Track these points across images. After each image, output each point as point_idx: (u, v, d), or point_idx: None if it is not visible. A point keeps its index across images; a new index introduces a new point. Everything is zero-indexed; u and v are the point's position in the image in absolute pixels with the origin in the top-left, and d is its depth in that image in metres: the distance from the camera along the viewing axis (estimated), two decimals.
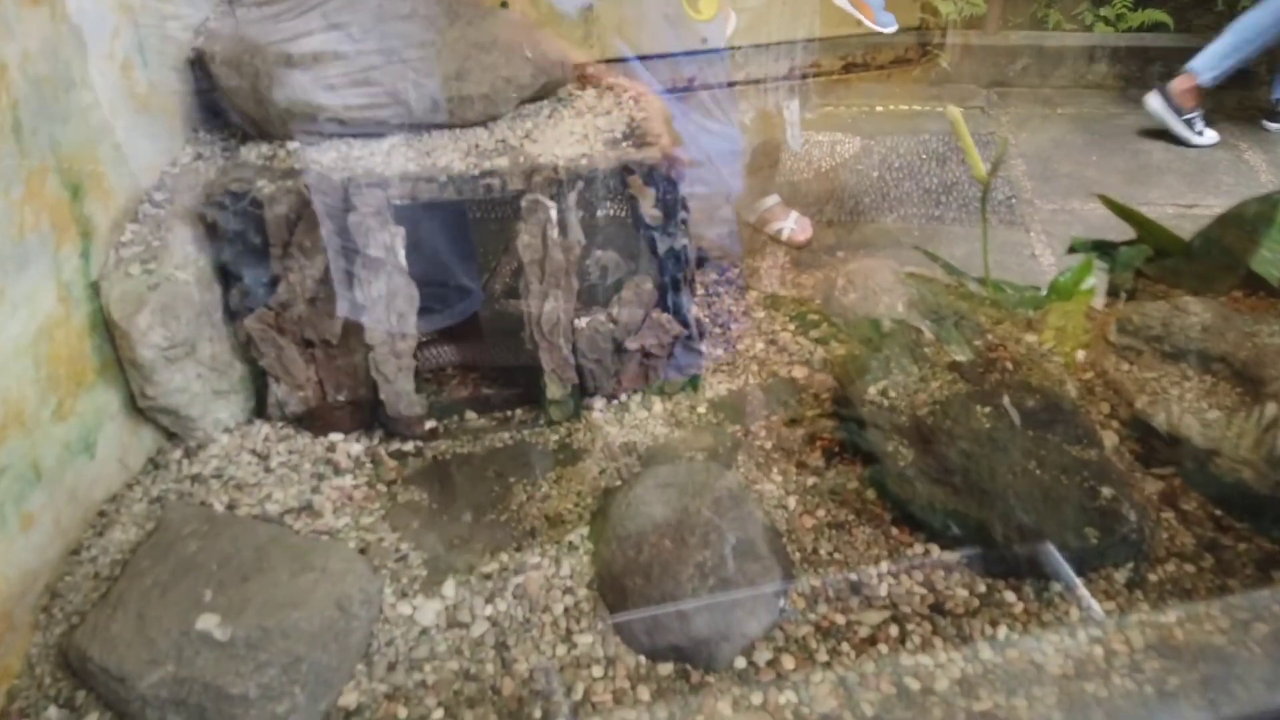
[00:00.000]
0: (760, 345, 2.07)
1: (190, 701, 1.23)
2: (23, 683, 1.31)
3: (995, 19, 6.12)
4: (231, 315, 1.66)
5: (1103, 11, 6.52)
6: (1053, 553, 1.48)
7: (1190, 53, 5.66)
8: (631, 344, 1.79)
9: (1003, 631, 1.41)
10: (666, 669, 1.37)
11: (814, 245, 2.45)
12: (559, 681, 1.35)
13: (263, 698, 1.24)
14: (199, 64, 1.71)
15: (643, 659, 1.37)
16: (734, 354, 2.04)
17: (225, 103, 1.70)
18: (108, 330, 1.51)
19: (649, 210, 1.69)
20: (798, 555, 1.54)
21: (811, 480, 1.68)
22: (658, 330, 1.80)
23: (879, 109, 4.82)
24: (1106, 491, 1.49)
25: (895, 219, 3.17)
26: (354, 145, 1.70)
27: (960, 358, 1.75)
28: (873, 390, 1.68)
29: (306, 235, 1.57)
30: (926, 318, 1.99)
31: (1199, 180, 3.90)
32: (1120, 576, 1.49)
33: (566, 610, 1.43)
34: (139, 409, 1.60)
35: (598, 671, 1.36)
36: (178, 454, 1.67)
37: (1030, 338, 1.94)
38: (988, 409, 1.60)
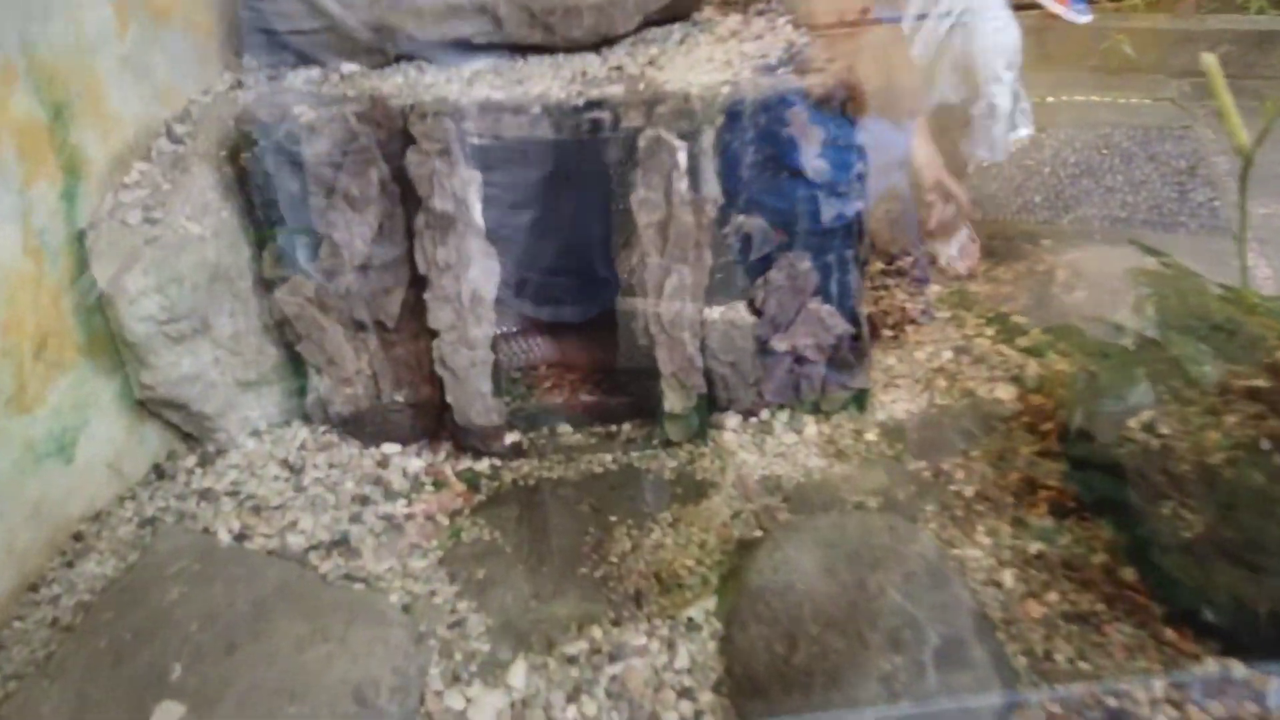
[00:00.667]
0: (947, 354, 1.57)
1: None
2: None
3: (1189, 0, 5.36)
4: (266, 285, 1.28)
5: None
6: None
7: None
8: (779, 344, 1.33)
9: None
10: None
11: (1011, 233, 1.93)
12: None
13: None
14: None
15: None
16: (912, 364, 1.55)
17: (275, 19, 1.33)
18: (100, 296, 1.15)
19: (812, 160, 1.23)
20: (1023, 660, 1.05)
21: (1034, 546, 1.19)
22: (815, 327, 1.34)
23: (1049, 99, 4.16)
24: None
25: (1071, 220, 2.59)
26: (427, 70, 1.31)
27: (1259, 382, 1.21)
28: (1134, 424, 1.17)
29: (356, 180, 1.18)
30: (1182, 327, 1.45)
31: None
32: None
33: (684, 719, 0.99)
34: (141, 402, 1.23)
35: None
36: (191, 461, 1.31)
37: None
38: None
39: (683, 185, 1.19)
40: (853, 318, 1.37)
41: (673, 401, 1.33)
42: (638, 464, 1.37)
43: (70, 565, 1.12)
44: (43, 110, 1.09)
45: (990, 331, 1.62)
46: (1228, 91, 1.59)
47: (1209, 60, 1.60)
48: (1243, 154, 1.58)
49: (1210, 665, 1.04)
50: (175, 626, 0.98)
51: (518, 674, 1.04)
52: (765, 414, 1.42)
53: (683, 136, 1.17)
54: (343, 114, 1.16)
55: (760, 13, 1.55)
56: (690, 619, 1.09)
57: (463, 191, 1.17)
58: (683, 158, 1.17)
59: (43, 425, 1.10)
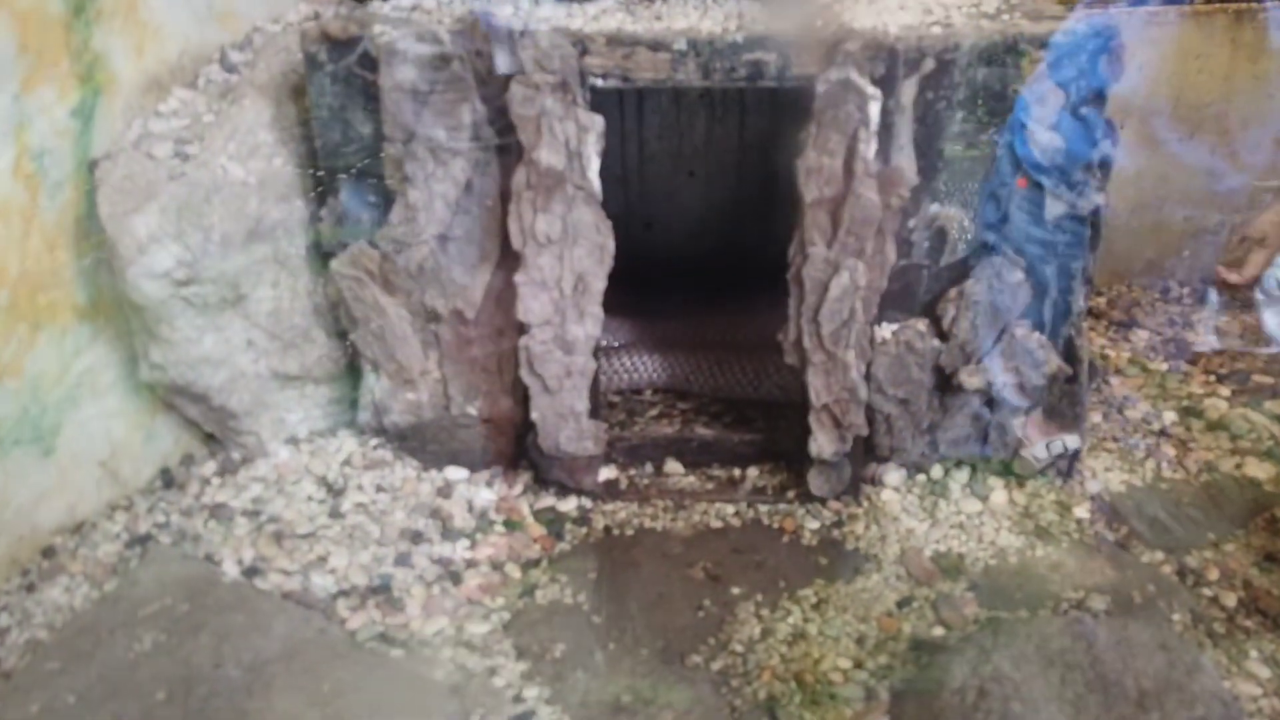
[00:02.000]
0: (1170, 415, 1.22)
1: None
2: None
3: None
4: (323, 255, 1.02)
5: None
6: None
7: None
8: (970, 379, 1.01)
9: None
10: None
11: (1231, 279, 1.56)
12: None
13: None
14: None
15: None
16: (1124, 424, 1.21)
17: None
18: (106, 245, 0.90)
19: (1041, 135, 0.92)
20: None
21: None
22: (1023, 359, 1.01)
23: None
24: None
25: None
26: (543, 3, 1.04)
27: None
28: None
29: (442, 119, 0.92)
30: None
31: None
32: None
33: None
34: (147, 385, 0.98)
35: None
36: (209, 468, 1.05)
37: None
38: None
39: (870, 151, 0.89)
40: (1070, 352, 1.04)
41: (822, 444, 1.02)
42: (768, 521, 1.06)
43: (29, 590, 0.86)
44: (62, 5, 0.85)
45: (1225, 391, 1.26)
46: None
47: None
48: None
49: None
50: (137, 693, 0.70)
51: None
52: (938, 471, 1.10)
53: (878, 83, 0.88)
54: (433, 31, 0.90)
55: None
56: None
57: (578, 143, 0.89)
58: (875, 111, 0.87)
59: (14, 401, 0.85)
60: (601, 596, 0.97)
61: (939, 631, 0.89)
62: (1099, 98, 0.94)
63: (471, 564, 0.99)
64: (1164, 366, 1.34)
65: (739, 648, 0.90)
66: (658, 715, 0.82)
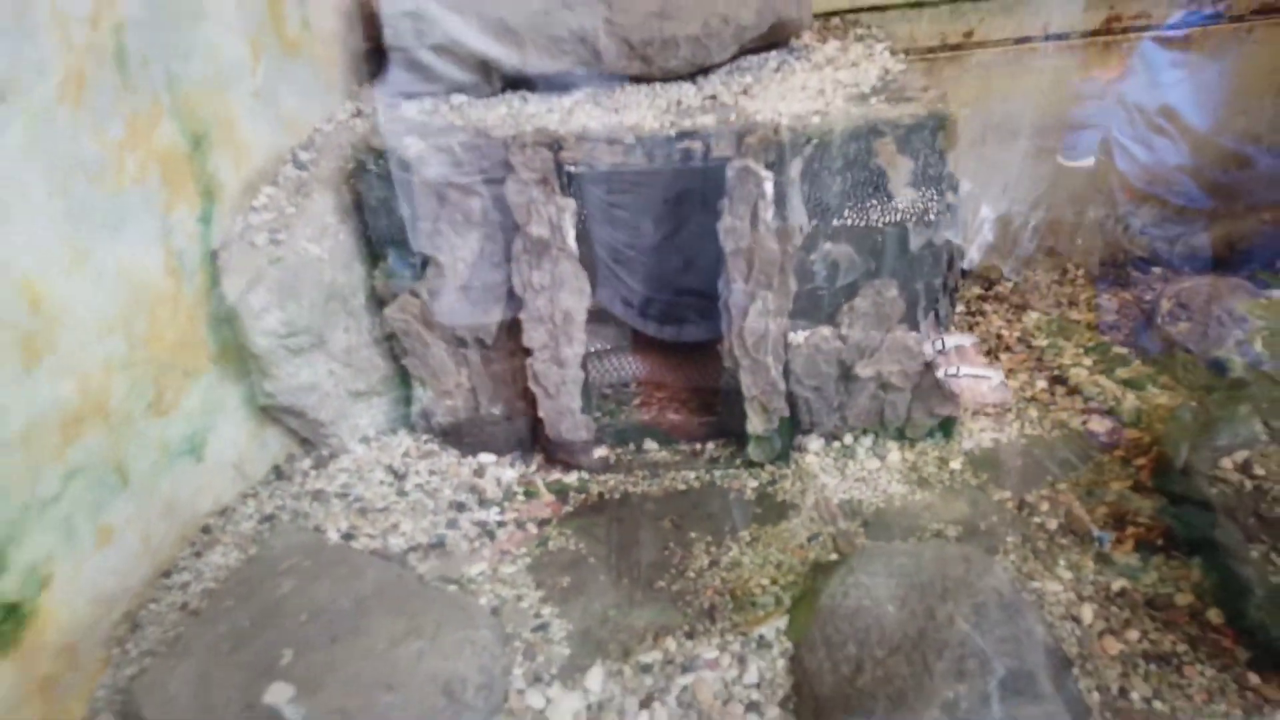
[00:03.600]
0: (1041, 383, 1.55)
1: None
2: None
3: None
4: (379, 302, 1.38)
5: None
6: None
7: None
8: (864, 369, 1.35)
9: None
10: None
11: (1119, 258, 1.86)
12: None
13: None
14: (367, 10, 1.45)
15: None
16: (1004, 393, 1.54)
17: (390, 51, 1.42)
18: (230, 311, 1.26)
19: (901, 189, 1.24)
20: (1096, 696, 1.04)
21: (1118, 583, 1.18)
22: (901, 354, 1.35)
23: None
24: None
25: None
26: (530, 100, 1.37)
27: None
28: (1228, 462, 1.14)
29: (460, 206, 1.26)
30: None
31: None
32: None
33: None
34: (263, 408, 1.35)
35: None
36: (307, 463, 1.41)
37: None
38: None
39: (768, 214, 1.22)
40: (941, 346, 1.37)
41: (756, 423, 1.37)
42: (720, 482, 1.41)
43: (198, 555, 1.24)
44: (184, 140, 1.20)
45: (1089, 361, 1.58)
46: None
47: None
48: None
49: None
50: (287, 617, 1.07)
51: (595, 679, 1.10)
52: (849, 438, 1.44)
53: (770, 166, 1.21)
54: (450, 145, 1.24)
55: (859, 38, 1.57)
56: (761, 636, 1.12)
57: (557, 219, 1.24)
58: (769, 187, 1.21)
59: (177, 428, 1.22)
60: (596, 543, 1.32)
61: (834, 557, 1.24)
62: (940, 161, 1.26)
63: (501, 524, 1.35)
64: (1044, 343, 1.66)
65: (692, 574, 1.25)
66: (633, 622, 1.18)
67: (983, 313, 1.74)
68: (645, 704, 1.06)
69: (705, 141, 1.24)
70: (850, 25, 1.67)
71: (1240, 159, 1.72)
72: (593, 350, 1.43)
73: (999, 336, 1.67)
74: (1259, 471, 1.12)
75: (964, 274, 1.83)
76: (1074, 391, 1.51)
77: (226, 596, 1.12)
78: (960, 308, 1.75)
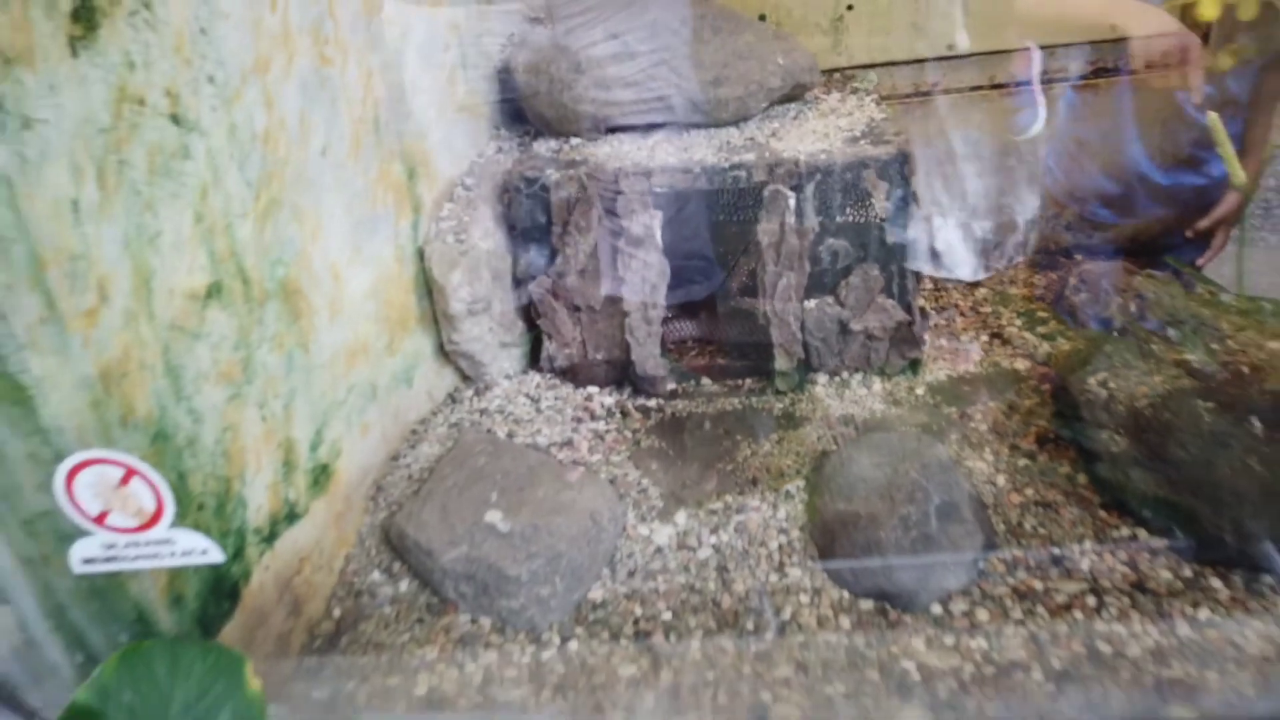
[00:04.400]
0: (985, 338, 2.16)
1: (478, 577, 1.55)
2: (355, 551, 1.70)
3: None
4: (516, 282, 2.00)
5: None
6: (1269, 547, 1.50)
7: None
8: (856, 325, 1.96)
9: (1204, 613, 1.45)
10: (867, 605, 1.53)
11: (1051, 246, 2.48)
12: (770, 603, 1.55)
13: (531, 581, 1.54)
14: (505, 72, 2.07)
15: (845, 594, 1.55)
16: (956, 343, 2.15)
17: (524, 105, 2.05)
18: (426, 287, 1.89)
19: (880, 203, 1.85)
20: (1002, 526, 1.65)
21: (1023, 462, 1.78)
22: (881, 315, 1.96)
23: None
24: None
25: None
26: (625, 141, 1.99)
27: (1191, 358, 1.77)
28: (1092, 382, 1.75)
29: (582, 215, 1.88)
30: (1162, 320, 2.00)
31: None
32: None
33: (780, 547, 1.64)
34: (444, 353, 1.97)
35: (804, 599, 1.55)
36: (469, 393, 2.03)
37: (1275, 345, 1.91)
38: (1210, 405, 1.63)
39: (791, 219, 1.83)
40: (908, 309, 1.98)
41: (781, 363, 1.98)
42: (756, 405, 2.02)
43: (413, 447, 1.86)
44: (404, 175, 1.83)
45: (1019, 322, 2.19)
46: (1228, 141, 2.14)
47: (1212, 117, 2.16)
48: (1240, 189, 2.14)
49: (1125, 533, 1.61)
50: (488, 477, 1.69)
51: (680, 517, 1.71)
52: (845, 375, 2.05)
53: (792, 188, 1.82)
54: (578, 176, 1.86)
55: (853, 91, 2.18)
56: (787, 491, 1.73)
57: (650, 222, 1.85)
58: (793, 202, 1.82)
59: (400, 364, 1.84)
60: (672, 444, 1.93)
61: (834, 447, 1.85)
62: (906, 184, 1.86)
63: (608, 431, 1.95)
64: (988, 310, 2.27)
65: (740, 460, 1.85)
66: (703, 487, 1.79)
67: (945, 289, 2.36)
68: (714, 531, 1.68)
69: (749, 171, 1.86)
70: (848, 79, 2.28)
71: (1137, 175, 2.33)
72: (670, 317, 2.05)
73: (956, 305, 2.28)
74: (1111, 385, 1.73)
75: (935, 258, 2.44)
76: (1006, 342, 2.12)
77: (445, 466, 1.74)
78: (929, 285, 2.36)
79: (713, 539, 1.67)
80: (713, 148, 1.93)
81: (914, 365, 2.02)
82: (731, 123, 1.99)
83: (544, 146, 2.00)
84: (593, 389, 2.05)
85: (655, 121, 1.97)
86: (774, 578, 1.59)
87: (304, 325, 1.54)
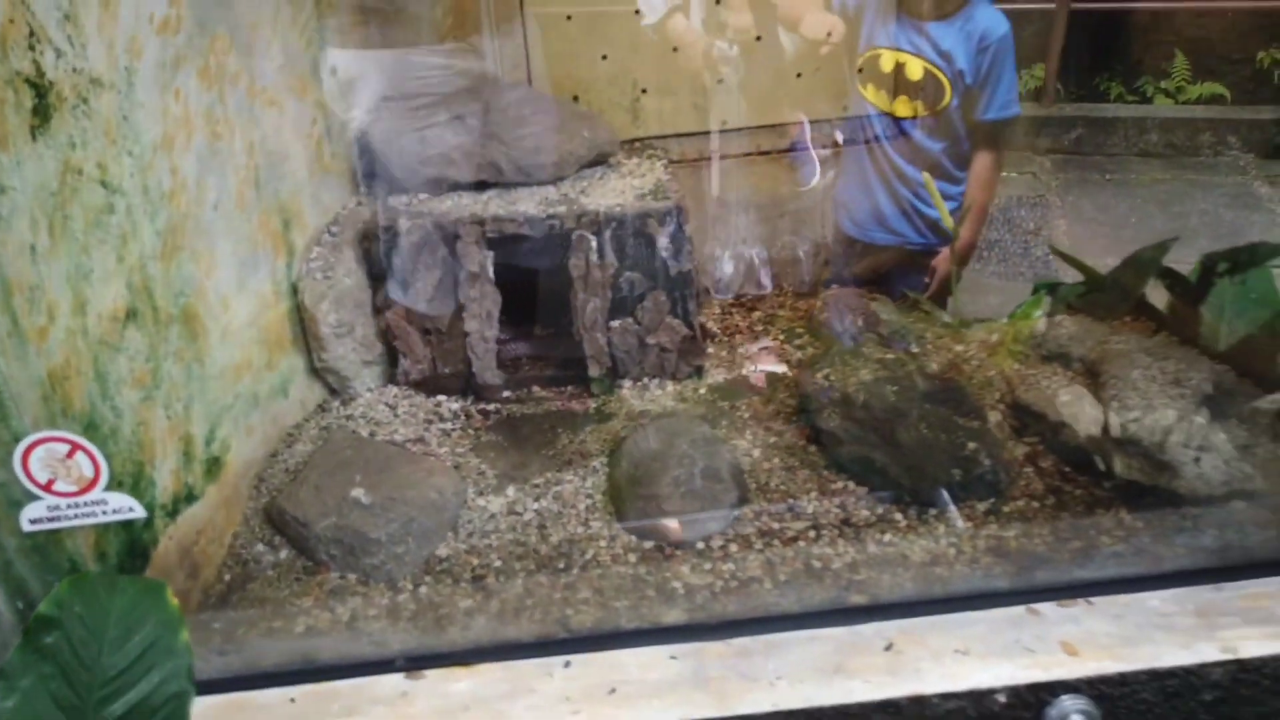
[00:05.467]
0: (754, 349, 2.73)
1: (345, 541, 1.97)
2: (241, 529, 2.08)
3: (1052, 91, 6.63)
4: (377, 310, 2.44)
5: (1163, 84, 6.97)
6: (934, 489, 2.09)
7: (1240, 125, 6.13)
8: (650, 340, 2.49)
9: (888, 537, 2.02)
10: (649, 545, 2.03)
11: (815, 280, 3.11)
12: (577, 549, 2.03)
13: (389, 542, 1.97)
14: (365, 141, 2.52)
15: (633, 538, 2.05)
16: (734, 355, 2.72)
17: (380, 168, 2.50)
18: (299, 315, 2.31)
19: (663, 244, 2.40)
20: (754, 486, 2.19)
21: (773, 439, 2.33)
22: (670, 332, 2.49)
23: None
24: (972, 445, 2.09)
25: None
26: (464, 196, 2.47)
27: (889, 357, 2.37)
28: (818, 376, 2.33)
29: (429, 255, 2.35)
30: (885, 333, 2.62)
31: (1231, 240, 4.46)
32: (981, 506, 2.08)
33: (587, 507, 2.12)
34: (315, 370, 2.38)
35: (603, 544, 2.04)
36: (337, 403, 2.45)
37: (959, 347, 2.55)
38: (895, 388, 2.23)
39: (594, 257, 2.35)
40: (690, 326, 2.53)
41: (593, 372, 2.48)
42: (575, 407, 2.51)
43: (289, 446, 2.26)
44: (280, 224, 2.25)
45: (782, 337, 2.79)
46: (938, 194, 2.78)
47: (926, 177, 2.81)
48: (951, 232, 2.78)
49: (840, 485, 2.18)
50: (354, 464, 2.11)
51: (510, 491, 2.17)
52: (646, 380, 2.57)
53: (593, 233, 2.35)
54: (424, 224, 2.33)
55: (649, 156, 2.74)
56: (594, 467, 2.22)
57: (483, 261, 2.34)
58: (594, 244, 2.34)
59: (277, 378, 2.24)
60: (507, 438, 2.39)
61: (630, 433, 2.36)
62: (680, 230, 2.41)
63: (454, 430, 2.40)
64: (760, 328, 2.85)
65: (560, 448, 2.32)
66: (530, 468, 2.26)
67: (730, 313, 2.93)
68: (537, 500, 2.15)
69: (561, 220, 2.37)
70: (646, 147, 2.84)
71: (874, 222, 2.98)
72: (502, 337, 2.53)
73: (737, 325, 2.86)
74: (831, 378, 2.32)
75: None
76: (773, 353, 2.70)
77: (318, 458, 2.15)
78: (717, 310, 2.94)
79: (535, 505, 2.14)
80: (534, 202, 2.43)
81: (699, 371, 2.57)
82: (549, 182, 2.51)
83: (398, 201, 2.46)
84: (442, 397, 2.49)
85: (487, 180, 2.46)
86: (581, 530, 2.07)
87: (200, 344, 1.94)
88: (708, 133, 2.87)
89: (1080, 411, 2.11)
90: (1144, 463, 1.91)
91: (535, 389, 2.56)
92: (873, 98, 2.65)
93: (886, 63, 2.57)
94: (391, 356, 2.49)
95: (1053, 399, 2.19)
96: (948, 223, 2.78)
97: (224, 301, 2.02)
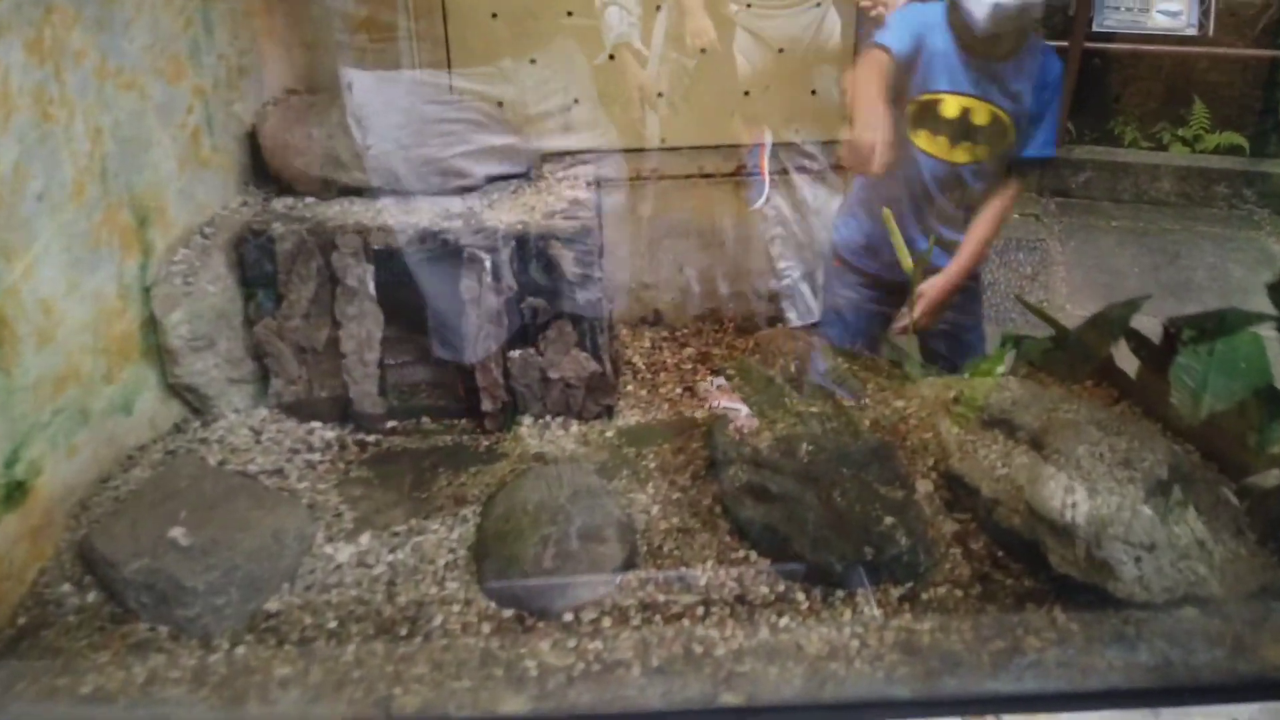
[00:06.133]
0: (677, 391, 2.47)
1: (157, 587, 1.71)
2: (50, 564, 1.82)
3: (1063, 132, 6.37)
4: (249, 323, 2.19)
5: (1181, 131, 6.70)
6: (843, 567, 1.81)
7: (1258, 178, 5.85)
8: (553, 374, 2.23)
9: (784, 621, 1.75)
10: (508, 613, 1.76)
11: (754, 316, 2.86)
12: (424, 613, 1.76)
13: (208, 592, 1.70)
14: (253, 137, 2.29)
15: (492, 603, 1.78)
16: (656, 395, 2.46)
17: (267, 165, 2.26)
18: (155, 323, 2.06)
19: (569, 268, 2.15)
20: (645, 548, 1.92)
21: (676, 495, 2.06)
22: (576, 366, 2.24)
23: None
24: (888, 520, 1.82)
25: None
26: (356, 203, 2.23)
27: (813, 409, 2.11)
28: (731, 426, 2.06)
29: (304, 266, 2.10)
30: (826, 379, 2.36)
31: (1239, 299, 4.19)
32: (896, 592, 1.80)
33: (447, 563, 1.86)
34: (171, 386, 2.13)
35: (456, 608, 1.77)
36: (197, 424, 2.20)
37: (899, 403, 2.28)
38: (813, 446, 1.96)
39: (488, 278, 2.10)
40: (600, 360, 2.27)
41: (487, 405, 2.23)
42: (466, 443, 2.25)
43: (125, 471, 2.00)
44: (134, 220, 2.01)
45: (704, 374, 2.53)
46: (898, 232, 2.53)
47: (886, 213, 2.55)
48: (909, 273, 2.52)
49: (742, 554, 1.90)
50: (184, 496, 1.85)
51: (365, 539, 1.91)
52: (549, 418, 2.31)
53: (487, 251, 2.10)
54: (299, 231, 2.08)
55: (571, 168, 2.50)
56: (464, 516, 1.96)
57: (363, 275, 2.09)
58: (488, 263, 2.09)
59: (119, 392, 2.00)
60: (381, 474, 2.13)
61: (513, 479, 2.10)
62: (588, 253, 2.16)
63: (321, 462, 2.14)
64: (689, 367, 2.59)
65: (435, 490, 2.06)
66: (394, 512, 2.00)
67: (660, 348, 2.68)
68: (393, 550, 1.89)
69: (456, 235, 2.12)
70: (578, 162, 2.60)
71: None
72: (394, 362, 2.27)
73: (664, 362, 2.60)
74: (745, 431, 2.05)
75: (658, 321, 2.76)
76: (695, 395, 2.44)
77: (145, 487, 1.90)
78: (647, 344, 2.68)
79: (390, 557, 1.87)
80: (434, 214, 2.19)
81: (609, 411, 2.31)
82: (455, 194, 2.26)
83: (281, 204, 2.22)
84: (316, 424, 2.24)
85: (385, 188, 2.22)
86: (434, 589, 1.80)
87: (6, 351, 1.69)
88: (644, 150, 2.63)
89: (1015, 489, 1.84)
90: (1079, 557, 1.63)
91: (425, 420, 2.30)
92: (927, 145, 2.39)
93: (949, 108, 2.31)
94: (266, 376, 2.24)
95: (989, 472, 1.91)
96: (907, 265, 2.52)
97: (45, 305, 1.77)
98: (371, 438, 2.23)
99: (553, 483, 1.92)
